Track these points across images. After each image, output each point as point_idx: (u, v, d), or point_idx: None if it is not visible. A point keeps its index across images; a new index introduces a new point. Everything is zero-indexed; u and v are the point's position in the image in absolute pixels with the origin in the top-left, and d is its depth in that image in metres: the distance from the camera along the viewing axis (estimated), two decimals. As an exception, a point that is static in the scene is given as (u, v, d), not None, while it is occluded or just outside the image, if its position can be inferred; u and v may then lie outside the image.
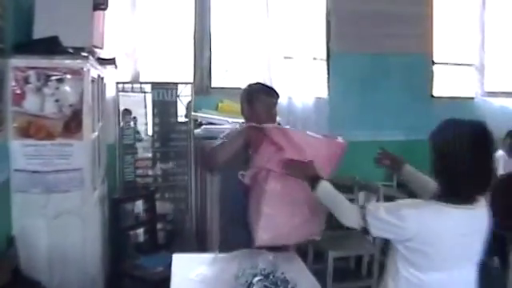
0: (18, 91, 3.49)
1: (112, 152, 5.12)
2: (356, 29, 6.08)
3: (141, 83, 5.32)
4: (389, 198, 4.07)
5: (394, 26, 6.16)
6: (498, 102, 6.59)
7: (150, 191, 5.13)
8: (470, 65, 6.63)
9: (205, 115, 5.30)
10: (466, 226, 2.29)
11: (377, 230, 2.38)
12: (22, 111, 3.50)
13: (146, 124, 5.30)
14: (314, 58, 6.01)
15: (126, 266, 4.45)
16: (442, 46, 6.52)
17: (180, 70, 5.78)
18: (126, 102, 5.22)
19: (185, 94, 5.36)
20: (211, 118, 5.22)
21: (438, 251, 2.28)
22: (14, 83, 3.48)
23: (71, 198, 3.63)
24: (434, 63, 6.50)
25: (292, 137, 2.96)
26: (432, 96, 6.44)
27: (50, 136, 3.55)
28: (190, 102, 5.37)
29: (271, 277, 2.74)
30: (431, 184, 2.52)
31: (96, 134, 4.06)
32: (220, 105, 5.55)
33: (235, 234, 3.43)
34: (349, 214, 2.48)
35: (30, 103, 3.50)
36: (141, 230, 4.91)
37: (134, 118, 5.24)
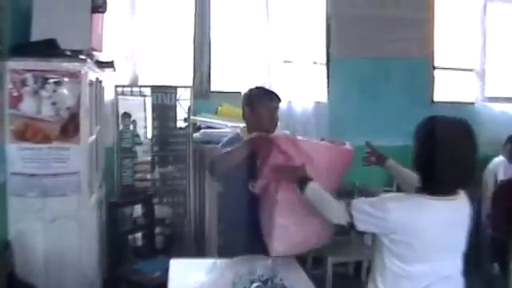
0: (15, 94, 3.47)
1: (110, 155, 5.09)
2: (356, 33, 6.06)
3: (140, 87, 5.30)
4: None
5: (394, 31, 6.14)
6: (498, 107, 6.56)
7: (149, 195, 5.10)
8: (470, 70, 6.59)
9: (204, 119, 5.27)
10: (448, 216, 2.38)
11: (362, 224, 2.44)
12: (18, 114, 3.48)
13: (146, 128, 5.28)
14: (314, 62, 5.98)
15: (123, 271, 4.42)
16: (443, 51, 6.49)
17: (179, 74, 5.75)
18: (126, 105, 5.19)
19: (184, 98, 5.33)
20: (210, 122, 5.19)
21: (421, 242, 2.34)
22: (11, 86, 3.46)
23: (68, 202, 3.61)
24: (434, 68, 6.47)
25: (300, 145, 2.96)
26: (432, 101, 6.41)
27: (46, 139, 3.53)
28: (189, 105, 5.34)
29: (269, 283, 2.72)
30: (414, 178, 2.56)
31: (93, 137, 4.04)
32: (219, 109, 5.52)
33: (235, 239, 3.42)
34: (336, 212, 2.54)
35: (27, 106, 3.49)
36: (139, 235, 4.90)
37: (134, 121, 5.21)
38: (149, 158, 5.29)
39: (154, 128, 5.29)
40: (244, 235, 3.33)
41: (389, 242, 2.39)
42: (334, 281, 4.70)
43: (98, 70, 4.24)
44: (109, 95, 5.09)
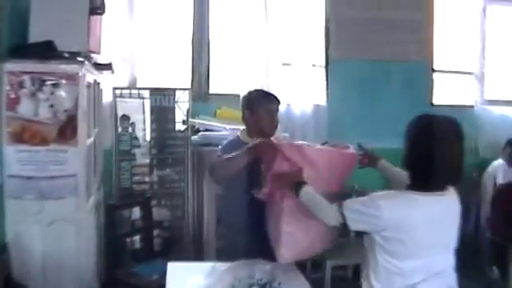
0: (13, 96, 3.45)
1: (108, 158, 5.08)
2: (355, 36, 6.05)
3: (138, 89, 5.28)
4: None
5: (393, 33, 6.14)
6: (497, 110, 6.54)
7: (147, 198, 5.09)
8: (470, 73, 6.59)
9: (203, 122, 5.25)
10: (438, 212, 2.43)
11: (354, 223, 2.50)
12: (16, 116, 3.46)
13: (144, 130, 5.26)
14: (313, 65, 5.97)
15: (121, 274, 4.41)
16: (442, 54, 6.48)
17: (178, 76, 5.74)
18: (124, 107, 5.17)
19: (182, 100, 5.32)
20: (209, 125, 5.17)
21: (412, 238, 2.39)
22: (8, 88, 3.44)
23: (66, 205, 3.59)
24: (433, 71, 6.46)
25: (304, 151, 2.95)
26: (432, 104, 6.40)
27: (44, 141, 3.51)
28: (187, 108, 5.33)
29: (268, 287, 2.71)
30: (405, 177, 2.61)
31: (91, 139, 4.03)
32: (218, 111, 5.51)
33: (236, 242, 3.41)
34: (329, 213, 2.59)
35: (25, 108, 3.47)
36: (137, 237, 4.89)
37: (132, 123, 5.20)
38: (147, 161, 5.27)
39: (152, 130, 5.28)
40: (245, 238, 3.32)
41: (381, 239, 2.45)
42: (332, 284, 4.69)
43: (96, 72, 4.23)
44: (107, 97, 5.07)
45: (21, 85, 3.44)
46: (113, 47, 5.06)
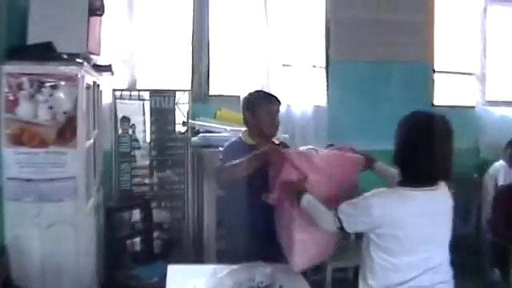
0: (11, 98, 3.42)
1: (108, 159, 5.06)
2: (356, 36, 6.04)
3: (138, 90, 5.27)
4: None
5: (394, 34, 6.12)
6: (498, 111, 6.54)
7: (147, 200, 5.07)
8: (470, 74, 6.59)
9: (203, 123, 5.24)
10: (430, 206, 2.49)
11: (350, 225, 2.58)
12: (14, 118, 3.43)
13: (144, 132, 5.24)
14: (313, 66, 5.96)
15: (121, 276, 4.40)
16: (443, 55, 6.47)
17: (178, 78, 5.73)
18: (124, 109, 5.15)
19: (182, 102, 5.30)
20: (209, 126, 5.17)
21: (406, 234, 2.44)
22: (6, 89, 3.41)
23: (65, 207, 3.56)
24: (434, 72, 6.45)
25: (313, 160, 2.97)
26: (432, 105, 6.38)
27: (43, 144, 3.48)
28: (187, 109, 5.31)
29: (268, 290, 2.70)
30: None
31: (91, 141, 4.01)
32: (218, 113, 5.49)
33: (237, 243, 3.40)
34: (326, 219, 2.65)
35: (23, 110, 3.43)
36: (137, 239, 4.87)
37: (133, 125, 5.18)
38: (147, 163, 5.25)
39: (152, 132, 5.26)
40: (246, 240, 3.31)
41: (375, 237, 2.51)
42: (333, 286, 4.68)
43: (95, 73, 4.20)
44: (107, 99, 5.05)
45: (19, 86, 3.41)
46: (112, 48, 5.03)
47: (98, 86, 4.51)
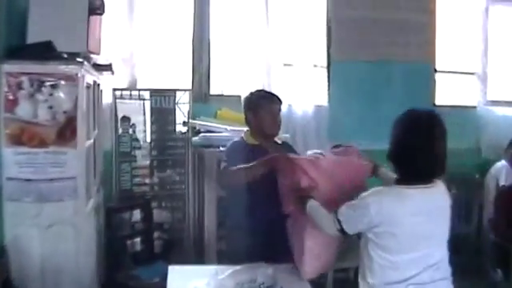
0: (11, 97, 3.40)
1: (109, 159, 5.05)
2: (357, 36, 6.02)
3: (139, 90, 5.25)
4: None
5: (395, 34, 6.11)
6: (500, 111, 6.51)
7: (147, 200, 5.06)
8: (472, 73, 6.56)
9: (203, 123, 5.23)
10: (427, 204, 2.52)
11: (350, 226, 2.60)
12: (14, 118, 3.42)
13: (145, 131, 5.23)
14: (315, 66, 5.94)
15: (121, 277, 4.39)
16: (445, 55, 6.45)
17: (178, 77, 5.71)
18: (124, 108, 5.15)
19: (183, 102, 5.29)
20: (210, 126, 5.15)
21: (403, 231, 2.48)
22: (6, 89, 3.40)
23: (65, 208, 3.55)
24: (436, 71, 6.43)
25: (320, 164, 3.00)
26: (434, 104, 6.36)
27: (43, 143, 3.46)
28: (188, 109, 5.30)
29: (270, 291, 2.70)
30: None
31: (91, 141, 3.99)
32: (219, 112, 5.47)
33: (238, 244, 3.39)
34: (327, 222, 2.69)
35: (23, 110, 3.42)
36: (137, 240, 4.87)
37: (133, 125, 5.17)
38: (147, 162, 5.25)
39: (152, 132, 5.25)
40: (247, 241, 3.30)
41: (373, 236, 2.54)
42: (334, 286, 4.66)
43: (95, 73, 4.20)
44: (107, 99, 5.04)
45: (19, 86, 3.40)
46: (112, 48, 5.02)
47: (98, 85, 4.50)
